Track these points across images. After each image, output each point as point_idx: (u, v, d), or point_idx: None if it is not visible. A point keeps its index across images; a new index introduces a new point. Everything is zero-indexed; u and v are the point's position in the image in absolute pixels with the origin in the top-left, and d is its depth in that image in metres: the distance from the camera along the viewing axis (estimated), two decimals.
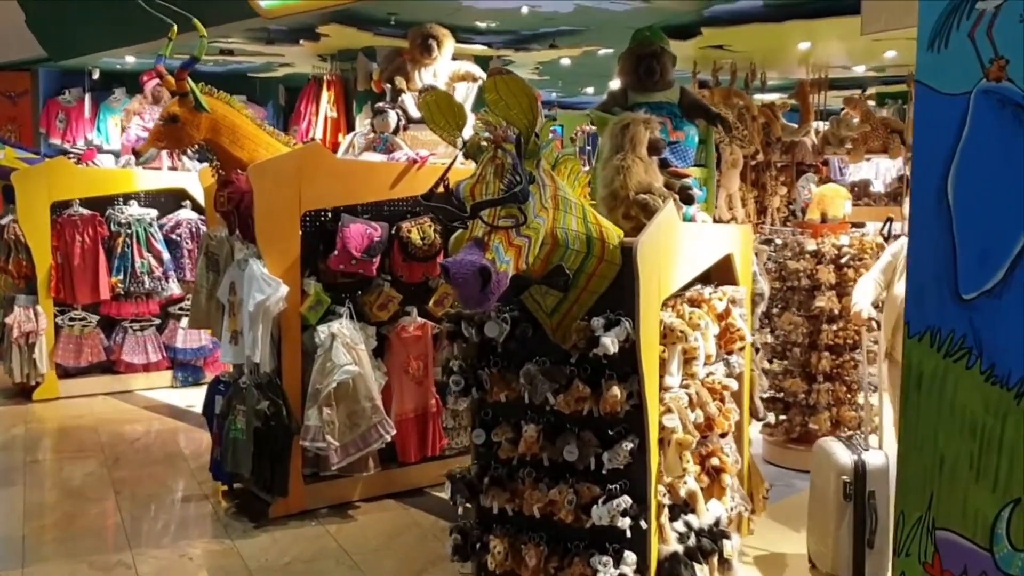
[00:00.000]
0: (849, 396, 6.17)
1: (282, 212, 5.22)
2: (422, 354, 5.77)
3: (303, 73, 9.63)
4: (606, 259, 3.47)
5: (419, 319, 5.76)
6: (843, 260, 6.09)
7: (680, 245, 3.82)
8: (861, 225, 7.46)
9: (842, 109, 8.99)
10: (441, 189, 3.26)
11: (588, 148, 10.60)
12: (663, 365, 3.62)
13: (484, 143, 3.25)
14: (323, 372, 5.25)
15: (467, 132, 3.34)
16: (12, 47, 9.48)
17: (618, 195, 3.86)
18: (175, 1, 5.35)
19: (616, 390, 3.36)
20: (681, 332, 3.62)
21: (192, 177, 8.46)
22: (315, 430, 5.23)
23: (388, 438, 5.45)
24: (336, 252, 5.35)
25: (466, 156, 3.36)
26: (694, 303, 4.00)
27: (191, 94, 5.16)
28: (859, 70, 9.40)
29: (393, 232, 5.59)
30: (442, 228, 5.73)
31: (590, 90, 12.20)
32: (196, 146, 5.44)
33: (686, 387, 3.77)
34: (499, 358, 3.66)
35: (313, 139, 8.06)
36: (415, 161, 5.72)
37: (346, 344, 5.29)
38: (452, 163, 3.58)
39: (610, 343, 3.31)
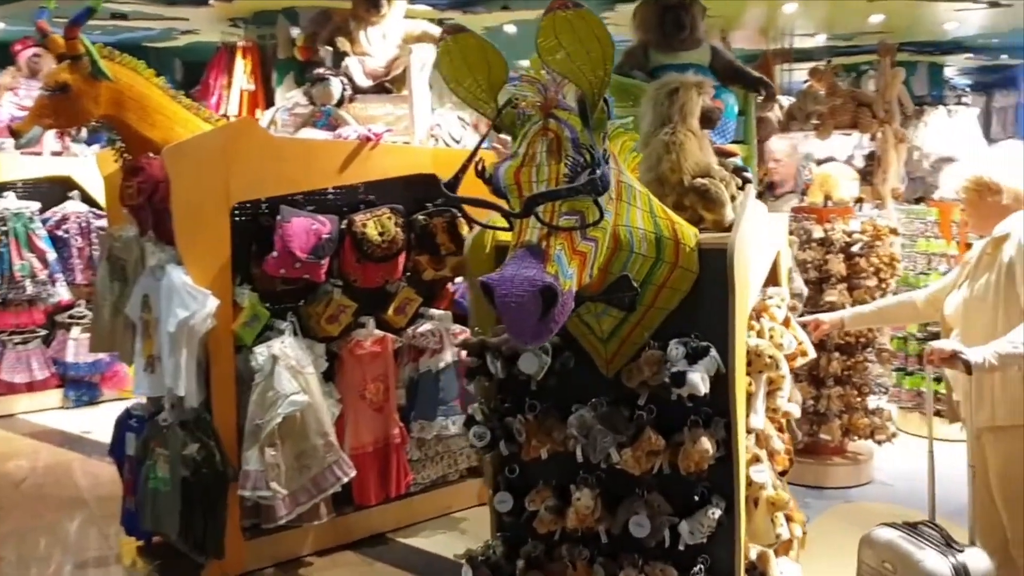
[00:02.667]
0: (861, 401, 5.48)
1: (207, 205, 4.17)
2: (381, 374, 4.80)
3: (208, 42, 8.45)
4: (681, 265, 2.60)
5: (377, 332, 4.79)
6: (855, 248, 5.39)
7: (761, 244, 2.97)
8: None
9: (805, 82, 8.37)
10: (472, 173, 2.32)
11: None
12: (748, 402, 2.77)
13: (529, 109, 2.33)
14: (263, 404, 4.24)
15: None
16: None
17: (667, 180, 2.97)
18: None
19: (705, 441, 2.49)
20: (771, 358, 2.78)
21: (81, 163, 7.24)
22: (256, 476, 4.21)
23: (346, 479, 4.48)
24: (275, 254, 4.33)
25: (497, 129, 2.42)
26: (758, 314, 3.17)
27: (87, 56, 4.04)
28: (820, 39, 8.80)
29: (344, 227, 4.59)
30: (404, 221, 4.77)
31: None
32: (91, 124, 4.31)
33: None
34: (536, 400, 2.74)
35: (226, 117, 6.92)
36: (368, 139, 4.73)
37: (291, 368, 4.29)
38: (484, 138, 2.63)
39: (700, 380, 2.44)
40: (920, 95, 9.49)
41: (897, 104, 7.64)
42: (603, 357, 2.70)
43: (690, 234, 2.63)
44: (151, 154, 4.21)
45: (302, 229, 4.36)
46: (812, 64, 8.62)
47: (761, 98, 3.93)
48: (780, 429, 3.24)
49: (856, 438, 5.50)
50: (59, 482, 5.89)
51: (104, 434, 5.31)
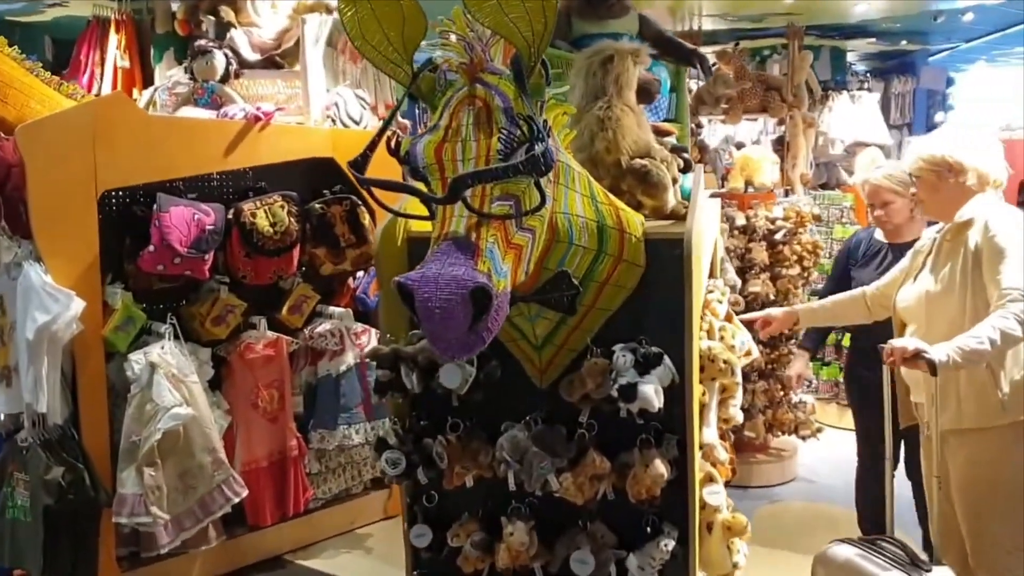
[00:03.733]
0: (784, 395, 5.28)
1: (70, 193, 3.63)
2: (275, 380, 4.33)
3: (79, 16, 7.67)
4: (626, 259, 2.25)
5: (270, 333, 4.33)
6: (778, 236, 5.17)
7: (707, 233, 2.65)
8: None
9: (714, 64, 8.18)
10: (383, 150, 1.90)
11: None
12: (700, 414, 2.45)
13: (451, 72, 1.94)
14: (141, 419, 3.74)
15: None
16: None
17: (602, 161, 2.61)
18: None
19: (659, 464, 2.16)
20: (725, 363, 2.46)
21: None
22: (134, 500, 3.72)
23: (237, 500, 4.01)
24: (152, 248, 3.82)
25: (413, 98, 2.02)
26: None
27: None
28: (726, 22, 8.63)
29: (231, 217, 4.10)
30: (299, 210, 4.31)
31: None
32: None
33: None
34: (459, 419, 2.35)
35: (99, 95, 6.27)
36: (257, 118, 4.24)
37: (171, 376, 3.79)
38: (396, 109, 2.22)
39: (653, 393, 2.10)
40: (824, 80, 9.43)
41: (805, 88, 7.53)
42: (536, 366, 2.33)
43: (636, 223, 2.29)
44: (2, 135, 3.64)
45: (182, 220, 3.86)
46: (719, 47, 8.46)
47: (697, 73, 3.61)
48: (722, 437, 2.94)
49: (780, 434, 5.30)
50: None
51: None
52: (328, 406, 4.53)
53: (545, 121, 1.88)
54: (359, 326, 4.68)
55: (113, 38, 6.38)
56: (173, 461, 3.81)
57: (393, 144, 1.93)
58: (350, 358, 4.56)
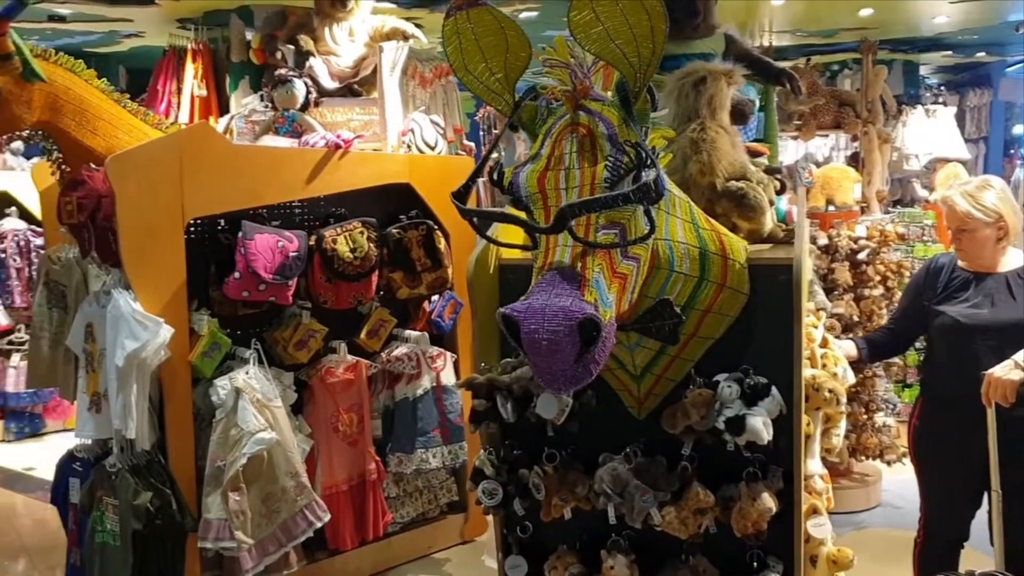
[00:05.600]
0: (869, 419, 5.13)
1: (158, 221, 3.69)
2: (355, 404, 4.34)
3: (154, 47, 7.88)
4: (729, 286, 2.20)
5: (350, 357, 4.34)
6: (861, 256, 5.04)
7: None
8: None
9: None
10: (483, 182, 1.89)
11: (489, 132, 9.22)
12: (805, 445, 2.37)
13: (552, 100, 1.92)
14: (226, 444, 3.76)
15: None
16: None
17: (696, 183, 2.57)
18: None
19: (767, 499, 2.09)
20: (831, 392, 2.38)
21: (18, 177, 6.67)
22: (219, 525, 3.74)
23: (320, 524, 4.01)
24: (237, 275, 3.86)
25: (513, 127, 2.00)
26: None
27: (18, 55, 3.54)
28: (796, 37, 8.51)
29: (313, 243, 4.13)
30: (377, 235, 4.33)
31: None
32: (26, 132, 3.81)
33: None
34: (555, 449, 2.31)
35: (177, 124, 6.40)
36: (337, 146, 4.27)
37: (256, 401, 3.82)
38: (497, 139, 2.21)
39: (762, 426, 2.04)
40: (896, 94, 9.26)
41: (880, 103, 7.38)
42: (635, 396, 2.28)
43: (739, 248, 2.23)
44: (92, 165, 3.72)
45: (267, 247, 3.90)
46: (789, 63, 8.34)
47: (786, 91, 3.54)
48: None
49: (864, 458, 5.15)
50: None
51: (49, 470, 4.79)
52: (405, 430, 4.52)
53: (653, 147, 1.84)
54: (435, 349, 4.67)
55: (190, 67, 6.52)
56: (257, 486, 3.83)
57: (495, 173, 1.91)
58: (426, 382, 4.56)
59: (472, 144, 7.61)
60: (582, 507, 2.27)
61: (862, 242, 5.04)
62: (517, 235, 1.96)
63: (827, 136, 8.26)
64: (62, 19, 6.89)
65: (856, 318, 4.96)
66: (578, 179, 1.82)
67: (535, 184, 1.84)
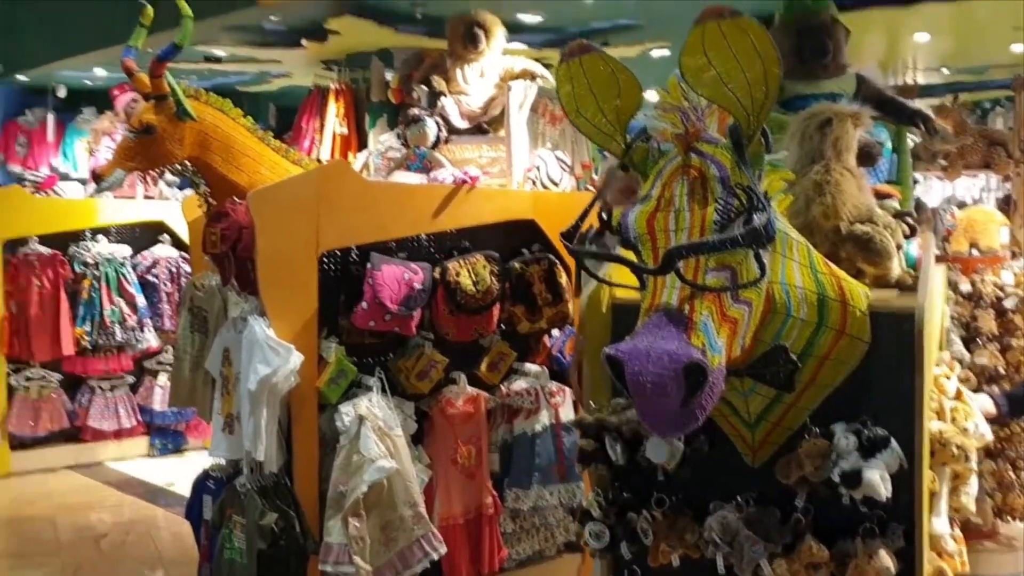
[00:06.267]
0: (1016, 478, 4.81)
1: (294, 253, 3.86)
2: (474, 436, 4.39)
3: (301, 86, 8.30)
4: (848, 333, 2.13)
5: (470, 389, 4.39)
6: (1007, 303, 4.77)
7: (937, 304, 2.48)
8: None
9: None
10: (593, 222, 1.91)
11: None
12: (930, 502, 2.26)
13: (665, 142, 1.92)
14: (348, 470, 3.86)
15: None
16: None
17: (819, 227, 2.51)
18: None
19: (885, 557, 2.00)
20: (959, 448, 2.26)
21: (172, 207, 7.11)
22: (339, 549, 3.83)
23: (436, 556, 4.06)
24: (364, 304, 3.98)
25: (624, 168, 2.01)
26: None
27: (172, 96, 3.81)
28: (943, 72, 8.17)
29: (437, 276, 4.23)
30: (500, 269, 4.39)
31: None
32: (177, 166, 4.07)
33: None
34: (665, 494, 2.28)
35: (318, 161, 6.71)
36: (464, 182, 4.38)
37: (378, 429, 3.91)
38: (608, 180, 2.23)
39: (879, 481, 1.96)
40: None
41: None
42: (748, 444, 2.23)
43: (860, 294, 2.16)
44: (236, 199, 3.94)
45: (393, 278, 4.01)
46: (936, 100, 8.03)
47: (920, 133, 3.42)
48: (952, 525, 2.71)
49: (1010, 520, 4.83)
50: (140, 541, 5.63)
51: (187, 486, 5.05)
52: (523, 465, 4.53)
53: (765, 191, 1.82)
54: (554, 385, 4.68)
55: (332, 106, 6.83)
56: (376, 513, 3.91)
57: (605, 214, 1.92)
58: (545, 418, 4.56)
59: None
60: (690, 555, 2.23)
61: (1009, 289, 4.77)
62: (630, 275, 1.97)
63: (976, 177, 7.88)
64: (217, 60, 7.33)
65: (1001, 369, 4.68)
66: (688, 221, 1.81)
67: (644, 225, 1.85)
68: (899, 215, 2.71)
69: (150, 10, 4.01)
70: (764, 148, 1.87)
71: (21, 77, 8.46)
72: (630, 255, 1.88)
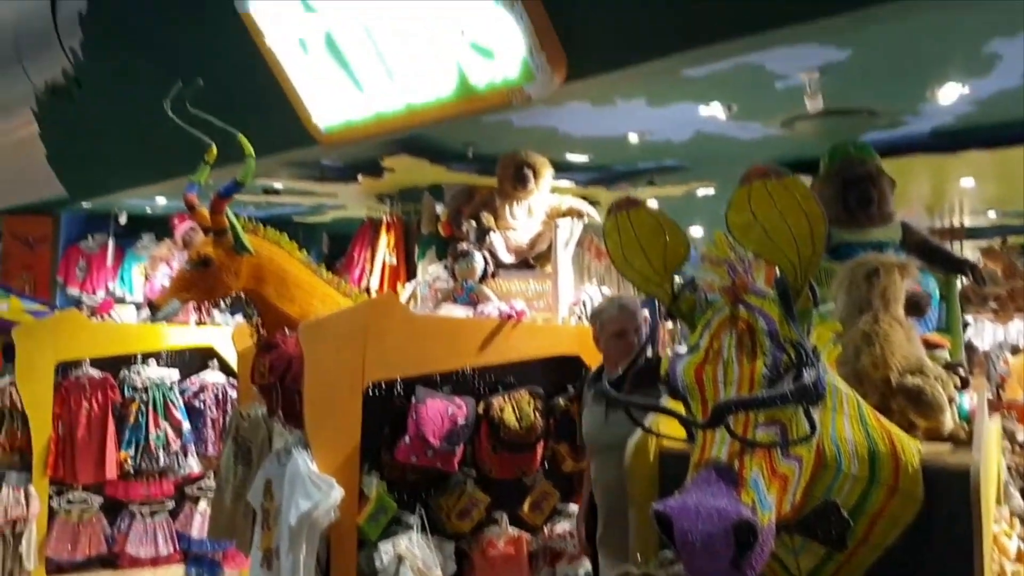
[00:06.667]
0: None
1: (340, 385, 3.90)
2: None
3: (354, 217, 8.53)
4: (901, 489, 2.08)
5: (511, 530, 4.32)
6: None
7: (993, 458, 2.42)
8: None
9: (979, 262, 7.72)
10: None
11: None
12: None
13: (712, 293, 1.94)
14: None
15: None
16: (33, 187, 8.53)
17: (869, 377, 2.49)
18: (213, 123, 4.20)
19: None
20: None
21: (223, 333, 7.23)
22: None
23: None
24: (407, 439, 3.98)
25: (672, 316, 2.03)
26: None
27: (231, 230, 3.94)
28: (990, 215, 8.16)
29: (481, 411, 4.23)
30: (544, 405, 4.38)
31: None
32: (229, 298, 4.18)
33: None
34: None
35: (367, 290, 6.84)
36: (510, 316, 4.43)
37: (417, 570, 3.86)
38: (656, 329, 2.24)
39: None
40: None
41: None
42: None
43: (912, 449, 2.12)
44: (287, 329, 4.02)
45: (437, 413, 4.02)
46: (984, 243, 8.03)
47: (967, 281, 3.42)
48: None
49: None
50: None
51: None
52: None
53: (815, 347, 1.82)
54: None
55: (383, 238, 7.00)
56: None
57: (649, 362, 1.93)
58: (588, 562, 4.45)
59: (646, 312, 7.68)
60: None
61: None
62: (678, 424, 1.96)
63: None
64: (275, 192, 7.58)
65: None
66: (736, 374, 1.81)
67: (692, 376, 1.85)
68: (950, 366, 2.68)
69: (215, 149, 4.19)
70: (812, 303, 1.88)
71: (86, 204, 8.80)
72: (678, 405, 1.87)
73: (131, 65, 6.76)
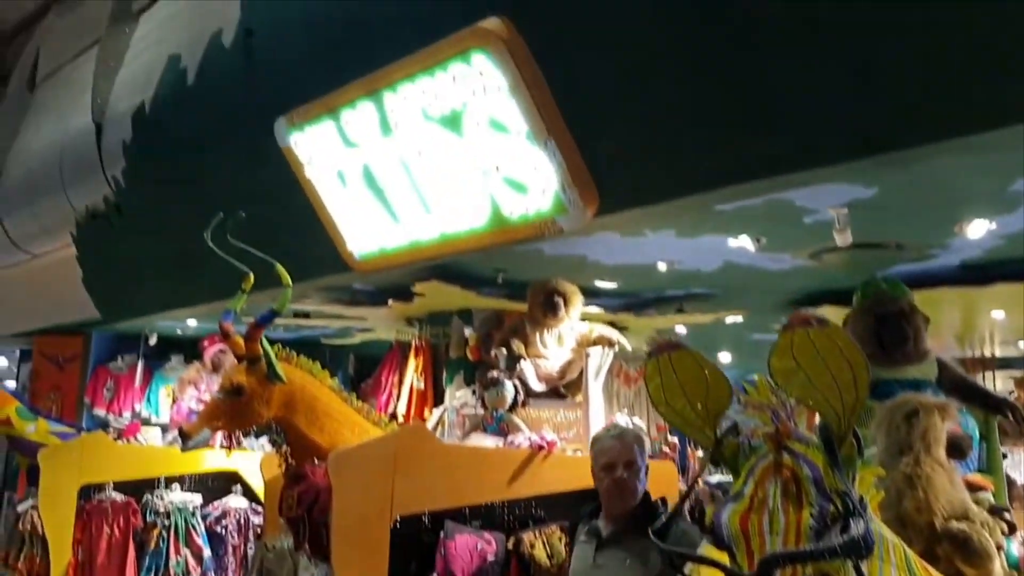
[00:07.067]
0: None
1: (368, 518, 3.84)
2: None
3: (382, 340, 8.59)
4: None
5: None
6: None
7: None
8: None
9: (1011, 392, 7.64)
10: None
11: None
12: None
13: (755, 439, 1.93)
14: None
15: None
16: (67, 308, 8.68)
17: (912, 522, 2.44)
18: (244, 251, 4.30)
19: None
20: None
21: (248, 458, 7.19)
22: None
23: None
24: (435, 575, 3.89)
25: (715, 461, 2.01)
26: None
27: (264, 358, 3.97)
28: (1021, 345, 8.10)
29: (511, 547, 4.14)
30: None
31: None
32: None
33: None
34: None
35: (394, 415, 6.82)
36: (540, 447, 4.39)
37: None
38: (700, 471, 2.22)
39: None
40: None
41: None
42: None
43: None
44: (316, 459, 4.00)
45: (466, 548, 3.95)
46: (1016, 372, 7.95)
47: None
48: None
49: None
50: None
51: None
52: None
53: (862, 497, 1.79)
54: None
55: (412, 362, 7.03)
56: None
57: (697, 512, 1.91)
58: None
59: (676, 440, 7.56)
60: None
61: None
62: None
63: None
64: (306, 315, 7.67)
65: None
66: (782, 524, 1.78)
67: (737, 526, 1.82)
68: (995, 510, 2.64)
69: (252, 277, 4.26)
70: (857, 451, 1.86)
71: (118, 325, 8.93)
72: (723, 556, 1.84)
73: (170, 192, 6.98)
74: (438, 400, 7.00)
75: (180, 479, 7.27)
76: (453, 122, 4.30)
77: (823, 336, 1.75)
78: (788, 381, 1.80)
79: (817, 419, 1.91)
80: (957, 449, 2.70)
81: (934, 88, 2.93)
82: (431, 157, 4.50)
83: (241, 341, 4.10)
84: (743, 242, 4.68)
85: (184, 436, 4.02)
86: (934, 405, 2.58)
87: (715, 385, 1.94)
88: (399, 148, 4.64)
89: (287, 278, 4.14)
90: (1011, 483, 6.62)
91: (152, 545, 6.94)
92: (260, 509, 6.90)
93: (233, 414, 4.01)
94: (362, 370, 9.78)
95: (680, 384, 1.96)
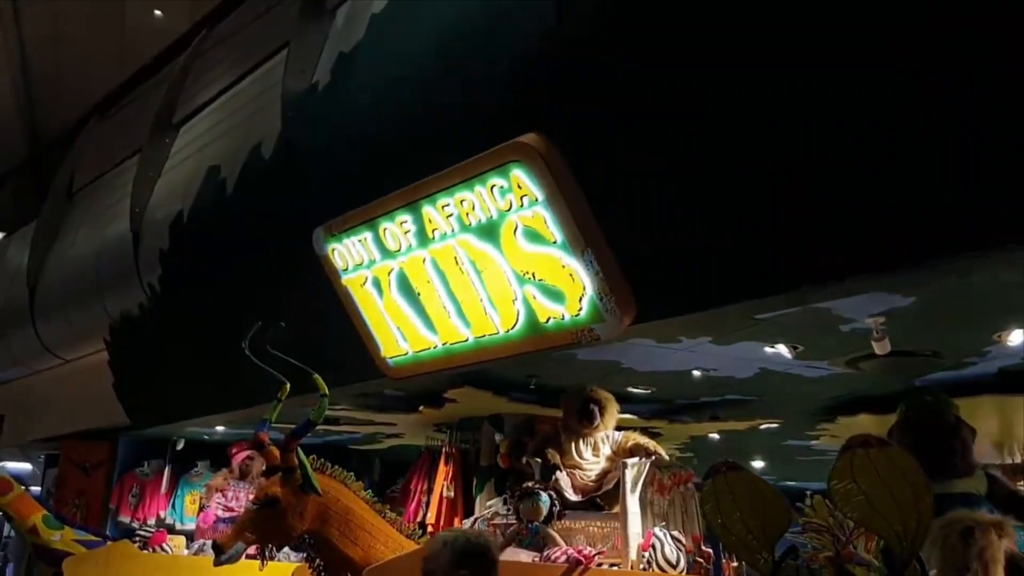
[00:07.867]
0: None
1: None
2: None
3: (410, 445, 8.51)
4: None
5: None
6: None
7: None
8: None
9: None
10: None
11: None
12: None
13: (814, 562, 1.89)
14: None
15: None
16: (96, 413, 8.71)
17: None
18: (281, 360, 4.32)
19: None
20: None
21: (278, 568, 7.06)
22: None
23: None
24: None
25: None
26: None
27: (300, 470, 3.95)
28: None
29: None
30: None
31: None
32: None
33: None
34: None
35: (423, 524, 6.70)
36: (578, 562, 4.29)
37: None
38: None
39: None
40: None
41: None
42: None
43: None
44: (350, 575, 3.93)
45: None
46: None
47: None
48: None
49: None
50: None
51: None
52: None
53: None
54: None
55: (441, 470, 6.94)
56: None
57: None
58: None
59: (710, 550, 7.34)
60: None
61: None
62: None
63: None
64: (335, 421, 7.63)
65: None
66: None
67: None
68: None
69: (288, 386, 4.28)
70: (921, 575, 1.82)
71: (146, 431, 8.92)
72: None
73: (205, 299, 7.07)
74: (467, 510, 6.87)
75: None
76: (490, 232, 4.36)
77: (883, 457, 1.72)
78: (847, 502, 1.78)
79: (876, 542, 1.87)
80: (1017, 570, 2.60)
81: (976, 200, 2.95)
82: (467, 265, 4.55)
83: (276, 452, 4.08)
84: (780, 349, 4.66)
85: (218, 550, 3.97)
86: (990, 523, 2.51)
87: (774, 507, 1.91)
88: (435, 256, 4.69)
89: (325, 387, 4.15)
90: None
91: None
92: None
93: (267, 527, 3.97)
94: (387, 476, 9.66)
95: (737, 506, 1.93)
